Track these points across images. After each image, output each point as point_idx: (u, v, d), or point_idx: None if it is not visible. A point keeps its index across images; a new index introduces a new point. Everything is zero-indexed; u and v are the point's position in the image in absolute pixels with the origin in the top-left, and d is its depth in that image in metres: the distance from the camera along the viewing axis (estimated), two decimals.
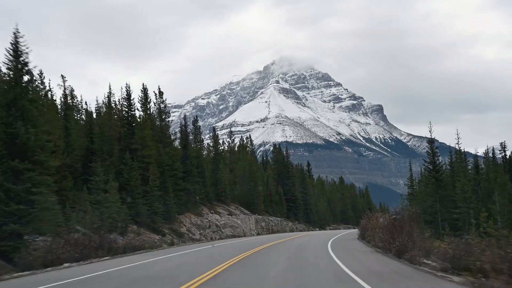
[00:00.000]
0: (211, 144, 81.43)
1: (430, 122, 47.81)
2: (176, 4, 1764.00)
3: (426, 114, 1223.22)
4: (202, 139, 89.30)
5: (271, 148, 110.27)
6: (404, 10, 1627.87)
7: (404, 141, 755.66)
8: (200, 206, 65.45)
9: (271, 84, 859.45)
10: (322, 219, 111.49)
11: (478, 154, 71.97)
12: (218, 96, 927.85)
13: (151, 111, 60.61)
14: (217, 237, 61.14)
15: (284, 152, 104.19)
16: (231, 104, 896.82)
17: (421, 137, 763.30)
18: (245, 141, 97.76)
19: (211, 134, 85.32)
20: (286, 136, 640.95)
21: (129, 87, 56.42)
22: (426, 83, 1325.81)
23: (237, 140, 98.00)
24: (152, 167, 53.78)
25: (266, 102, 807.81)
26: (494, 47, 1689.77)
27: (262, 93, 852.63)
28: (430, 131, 47.82)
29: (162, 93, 62.49)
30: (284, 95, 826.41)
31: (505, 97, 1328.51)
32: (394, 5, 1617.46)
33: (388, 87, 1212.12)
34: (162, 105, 62.33)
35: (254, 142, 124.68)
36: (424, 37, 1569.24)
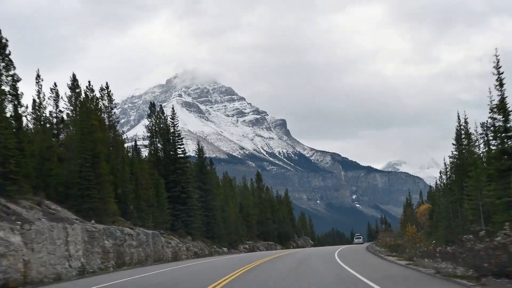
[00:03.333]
0: None
1: None
2: (77, 15, 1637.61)
3: (329, 129, 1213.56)
4: None
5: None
6: (306, 25, 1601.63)
7: (307, 155, 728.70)
8: None
9: (173, 97, 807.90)
10: (233, 234, 67.40)
11: None
12: (120, 109, 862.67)
13: None
14: None
15: (169, 118, 59.49)
16: (132, 118, 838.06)
17: (324, 151, 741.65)
18: (102, 94, 51.53)
19: None
20: (189, 151, 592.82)
21: None
22: (328, 98, 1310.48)
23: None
24: None
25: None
26: (393, 63, 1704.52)
27: (164, 106, 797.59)
28: None
29: None
30: (187, 109, 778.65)
31: (404, 113, 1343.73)
32: (297, 20, 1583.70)
33: (291, 102, 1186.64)
34: None
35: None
36: (326, 52, 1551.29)
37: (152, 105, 57.74)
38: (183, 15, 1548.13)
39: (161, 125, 58.15)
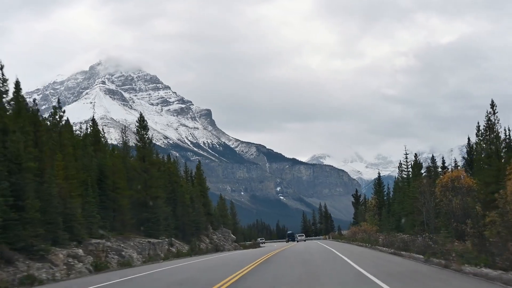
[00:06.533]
0: None
1: None
2: None
3: (254, 120, 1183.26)
4: None
5: None
6: (233, 15, 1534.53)
7: (232, 146, 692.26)
8: None
9: (96, 84, 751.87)
10: (49, 224, 27.48)
11: None
12: (41, 95, 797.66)
13: None
14: None
15: None
16: (54, 104, 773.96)
17: (249, 143, 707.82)
18: None
19: None
20: (112, 139, 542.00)
21: None
22: (254, 90, 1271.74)
23: None
24: None
25: (91, 103, 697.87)
26: (319, 57, 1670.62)
27: (87, 93, 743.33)
28: None
29: None
30: (110, 97, 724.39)
31: (329, 106, 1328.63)
32: (223, 10, 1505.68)
33: (217, 92, 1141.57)
34: None
35: None
36: (252, 44, 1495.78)
37: None
38: (107, 1, 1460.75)
39: None
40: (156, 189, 46.51)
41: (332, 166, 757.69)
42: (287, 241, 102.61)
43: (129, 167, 46.82)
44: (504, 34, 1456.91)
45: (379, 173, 69.91)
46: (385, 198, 64.11)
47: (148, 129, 50.79)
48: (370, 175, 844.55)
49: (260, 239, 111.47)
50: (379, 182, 66.70)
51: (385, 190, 66.03)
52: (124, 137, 53.66)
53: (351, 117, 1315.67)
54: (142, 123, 48.64)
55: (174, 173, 67.28)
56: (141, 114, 51.24)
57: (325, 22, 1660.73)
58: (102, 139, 57.05)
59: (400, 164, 61.83)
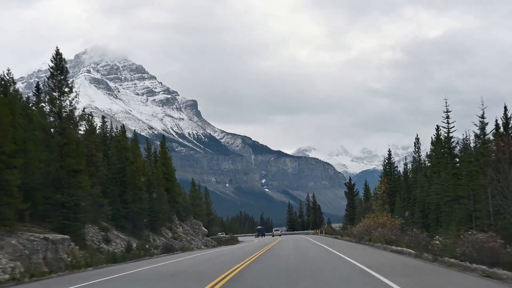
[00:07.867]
0: None
1: None
2: None
3: (240, 112, 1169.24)
4: None
5: None
6: (220, 5, 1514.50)
7: (218, 138, 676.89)
8: None
9: (82, 73, 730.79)
10: None
11: None
12: (25, 84, 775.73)
13: None
14: None
15: None
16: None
17: (234, 134, 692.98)
18: None
19: None
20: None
21: None
22: (241, 82, 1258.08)
23: None
24: None
25: (75, 92, 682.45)
26: (306, 49, 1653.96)
27: (72, 82, 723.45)
28: None
29: None
30: (95, 86, 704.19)
31: (315, 99, 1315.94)
32: (210, 0, 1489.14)
33: (203, 83, 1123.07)
34: None
35: None
36: (240, 35, 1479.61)
37: None
38: None
39: None
40: (78, 159, 30.96)
41: (318, 159, 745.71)
42: (257, 236, 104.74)
43: (37, 126, 31.37)
44: (492, 29, 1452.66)
45: (389, 150, 54.89)
46: (396, 183, 49.60)
47: (68, 72, 35.22)
48: (355, 168, 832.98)
49: (221, 233, 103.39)
50: (389, 162, 52.05)
51: (395, 173, 51.50)
52: (44, 87, 37.53)
53: (337, 111, 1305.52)
54: (59, 64, 33.08)
55: (129, 149, 51.96)
56: (57, 48, 35.34)
57: (312, 15, 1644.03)
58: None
59: (417, 139, 47.16)
